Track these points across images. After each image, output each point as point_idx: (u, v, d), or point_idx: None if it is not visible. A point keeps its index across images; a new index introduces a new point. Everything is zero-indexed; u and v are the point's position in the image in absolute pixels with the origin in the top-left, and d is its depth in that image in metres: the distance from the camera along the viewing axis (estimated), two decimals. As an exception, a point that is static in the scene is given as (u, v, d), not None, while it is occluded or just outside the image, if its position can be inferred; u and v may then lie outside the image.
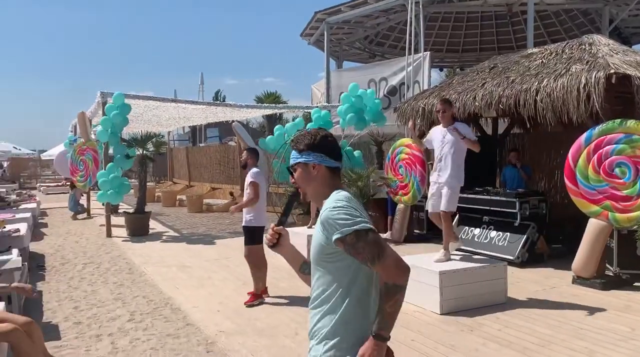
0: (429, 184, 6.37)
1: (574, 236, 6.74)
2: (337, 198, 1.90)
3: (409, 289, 5.59)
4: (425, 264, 5.55)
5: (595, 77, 6.11)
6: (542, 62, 7.48)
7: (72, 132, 19.25)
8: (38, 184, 27.32)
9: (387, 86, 15.94)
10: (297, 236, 7.97)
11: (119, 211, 14.19)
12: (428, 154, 7.74)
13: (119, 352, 4.45)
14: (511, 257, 7.04)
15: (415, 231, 9.32)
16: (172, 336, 4.81)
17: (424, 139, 6.31)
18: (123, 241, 10.28)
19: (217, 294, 6.17)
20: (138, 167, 12.74)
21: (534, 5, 14.82)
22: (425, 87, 12.92)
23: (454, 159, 5.75)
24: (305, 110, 16.11)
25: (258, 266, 5.94)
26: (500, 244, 7.48)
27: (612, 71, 6.06)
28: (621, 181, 5.66)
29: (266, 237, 2.14)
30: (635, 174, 5.58)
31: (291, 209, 2.21)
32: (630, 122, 5.67)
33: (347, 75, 17.34)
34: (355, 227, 1.80)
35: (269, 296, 6.00)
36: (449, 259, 5.68)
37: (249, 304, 5.73)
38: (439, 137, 5.88)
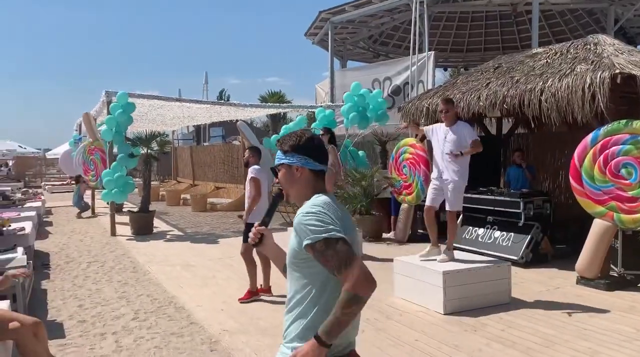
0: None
1: (579, 236, 6.72)
2: (314, 203, 1.88)
3: (413, 289, 5.56)
4: (428, 264, 5.55)
5: (600, 77, 6.09)
6: (547, 62, 7.46)
7: (76, 131, 19.33)
8: (43, 183, 27.42)
9: (391, 86, 15.93)
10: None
11: (124, 209, 14.23)
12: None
13: (123, 351, 4.47)
14: (515, 258, 7.03)
15: (419, 230, 9.30)
16: (176, 335, 4.82)
17: (425, 129, 6.26)
18: (127, 239, 10.32)
19: (220, 293, 6.18)
20: (142, 166, 12.77)
21: (539, 5, 14.79)
22: (430, 87, 12.91)
23: (457, 159, 5.74)
24: (310, 110, 16.11)
25: (254, 264, 5.96)
26: (504, 244, 7.47)
27: (617, 71, 6.03)
28: (627, 181, 5.64)
29: (250, 236, 2.13)
30: (641, 175, 5.56)
31: (274, 209, 2.20)
32: (636, 123, 5.64)
33: (351, 74, 17.35)
34: (325, 234, 1.77)
35: (272, 295, 6.01)
36: (453, 259, 5.68)
37: (243, 301, 5.76)
38: (441, 136, 5.85)
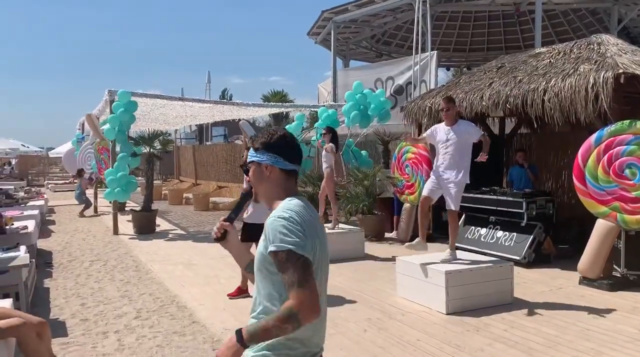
0: None
1: (581, 236, 6.71)
2: (287, 207, 1.82)
3: (415, 288, 5.55)
4: (431, 264, 5.54)
5: (603, 77, 6.07)
6: (550, 61, 7.44)
7: (79, 130, 19.37)
8: (46, 182, 27.48)
9: (393, 85, 15.90)
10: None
11: (126, 208, 14.26)
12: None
13: (125, 349, 4.48)
14: (517, 258, 7.02)
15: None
16: (178, 334, 4.83)
17: (424, 134, 6.26)
18: (130, 238, 10.33)
19: (223, 292, 6.18)
20: (145, 166, 12.79)
21: (542, 4, 14.75)
22: (432, 87, 12.88)
23: (460, 158, 5.73)
24: (312, 109, 16.10)
25: None
26: (506, 244, 7.46)
27: (620, 71, 6.02)
28: (631, 182, 5.62)
29: (213, 230, 2.10)
30: (644, 175, 5.55)
31: (242, 207, 2.16)
32: (640, 123, 5.63)
33: (354, 74, 17.33)
34: (290, 246, 1.71)
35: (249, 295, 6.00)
36: (455, 258, 5.67)
37: (232, 297, 5.79)
38: (443, 136, 5.83)
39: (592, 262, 5.97)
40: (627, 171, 5.66)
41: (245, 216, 5.92)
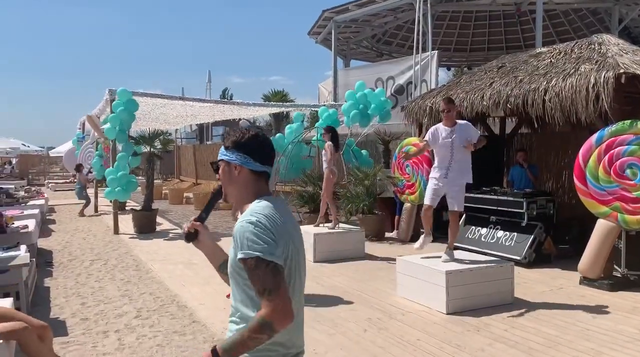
0: None
1: (582, 236, 6.70)
2: (255, 210, 1.77)
3: (415, 288, 5.53)
4: (432, 263, 5.54)
5: (604, 77, 6.07)
6: (551, 61, 7.44)
7: (79, 129, 19.38)
8: (46, 181, 27.49)
9: (394, 85, 15.90)
10: (305, 234, 7.95)
11: (126, 208, 14.26)
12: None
13: (126, 349, 4.48)
14: (518, 258, 7.01)
15: (421, 230, 9.28)
16: (178, 333, 4.83)
17: (425, 138, 6.22)
18: (130, 238, 10.33)
19: (223, 292, 6.17)
20: (145, 165, 12.78)
21: (543, 4, 14.74)
22: (433, 86, 12.89)
23: (462, 158, 5.73)
24: (313, 109, 16.10)
25: None
26: (507, 244, 7.45)
27: (621, 71, 6.01)
28: (632, 182, 5.62)
29: (183, 229, 2.07)
30: (645, 175, 5.54)
31: (213, 206, 2.11)
32: (641, 123, 5.63)
33: (355, 73, 17.33)
34: (258, 253, 1.67)
35: None
36: (453, 258, 5.67)
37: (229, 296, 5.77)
38: (445, 137, 5.80)
39: (592, 262, 5.96)
40: (628, 171, 5.66)
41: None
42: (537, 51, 8.38)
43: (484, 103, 7.56)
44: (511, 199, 7.52)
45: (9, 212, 8.87)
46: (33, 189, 16.52)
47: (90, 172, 15.97)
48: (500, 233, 7.66)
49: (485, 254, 6.55)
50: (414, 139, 9.26)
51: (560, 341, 4.38)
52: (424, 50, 13.97)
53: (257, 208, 1.78)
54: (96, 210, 14.80)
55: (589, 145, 5.97)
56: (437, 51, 15.12)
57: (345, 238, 8.05)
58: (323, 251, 7.72)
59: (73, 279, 7.03)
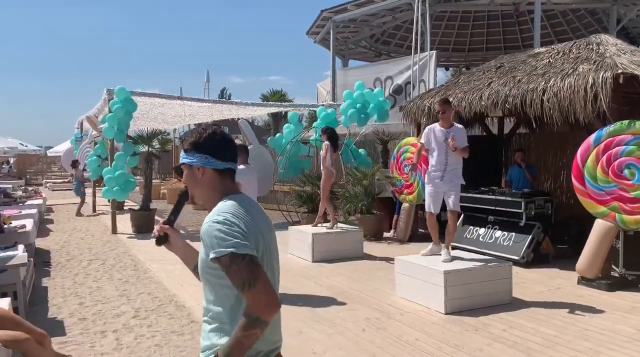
0: None
1: (580, 236, 6.71)
2: (221, 210, 1.76)
3: (414, 288, 5.52)
4: (430, 263, 5.54)
5: (602, 77, 6.07)
6: (549, 61, 7.45)
7: (78, 129, 19.34)
8: (44, 181, 27.45)
9: (392, 85, 15.92)
10: (303, 234, 7.99)
11: (125, 207, 14.24)
12: None
13: (124, 349, 4.47)
14: (516, 258, 7.02)
15: (420, 230, 9.31)
16: (176, 333, 4.82)
17: (421, 140, 6.22)
18: (128, 237, 10.32)
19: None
20: (144, 165, 12.76)
21: (541, 4, 14.76)
22: (431, 86, 12.90)
23: (457, 160, 5.76)
24: (311, 109, 16.10)
25: None
26: (505, 244, 7.46)
27: (619, 71, 6.02)
28: (630, 182, 5.63)
29: (153, 232, 2.05)
30: (643, 176, 5.55)
31: (180, 209, 2.09)
32: (639, 124, 5.64)
33: (353, 73, 17.34)
34: (230, 249, 1.66)
35: None
36: (449, 257, 5.67)
37: None
38: (440, 138, 5.81)
39: (590, 262, 5.97)
40: (626, 171, 5.67)
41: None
42: (536, 51, 8.39)
43: (482, 103, 7.56)
44: (509, 199, 7.52)
45: (7, 212, 8.85)
46: (31, 188, 16.51)
47: (85, 170, 15.93)
48: (498, 233, 7.66)
49: (484, 254, 6.55)
50: (412, 139, 9.26)
51: (558, 341, 4.38)
52: (423, 50, 13.99)
53: (224, 207, 1.78)
54: (94, 210, 14.77)
55: (587, 146, 5.98)
56: (435, 51, 15.14)
57: (343, 238, 8.05)
58: (321, 251, 7.71)
59: (71, 278, 7.02)
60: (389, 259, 7.47)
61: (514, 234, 7.42)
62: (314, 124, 12.39)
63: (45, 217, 13.40)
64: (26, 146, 34.94)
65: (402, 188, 9.27)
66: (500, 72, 8.03)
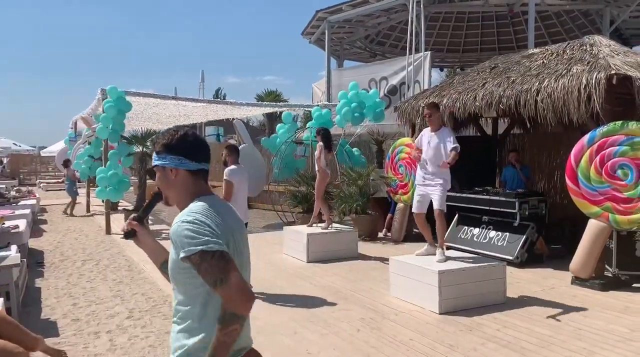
0: None
1: (573, 236, 6.74)
2: (191, 210, 1.77)
3: (408, 288, 5.53)
4: (424, 263, 5.55)
5: (596, 78, 6.10)
6: (543, 62, 7.47)
7: (71, 129, 19.26)
8: (38, 181, 27.30)
9: (387, 85, 15.94)
10: (298, 234, 7.98)
11: (119, 208, 14.19)
12: None
13: (117, 350, 4.45)
14: (510, 258, 7.04)
15: (414, 230, 9.31)
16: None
17: (415, 141, 6.38)
18: (122, 238, 10.27)
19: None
20: (138, 165, 12.72)
21: (535, 5, 14.83)
22: (426, 87, 12.93)
23: (439, 161, 5.79)
24: (306, 109, 16.10)
25: None
26: (499, 244, 7.48)
27: (613, 72, 6.05)
28: (623, 182, 5.66)
29: (122, 227, 2.07)
30: (637, 176, 5.59)
31: (152, 207, 2.11)
32: (632, 124, 5.67)
33: (348, 74, 17.36)
34: (200, 247, 1.66)
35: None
36: (444, 257, 5.69)
37: None
38: (426, 141, 5.99)
39: (584, 262, 6.00)
40: (619, 172, 5.70)
41: None
42: (530, 52, 8.42)
43: (477, 104, 7.58)
44: (503, 199, 7.54)
45: (0, 212, 8.80)
46: (24, 189, 16.41)
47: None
48: (492, 233, 7.68)
49: (478, 254, 6.56)
50: (407, 139, 9.27)
51: (552, 341, 4.40)
52: (417, 51, 14.01)
53: (194, 208, 1.79)
54: (88, 210, 14.72)
55: (581, 146, 6.01)
56: (430, 52, 15.17)
57: (338, 238, 8.05)
58: (316, 251, 7.71)
59: (64, 279, 6.99)
60: (383, 259, 7.47)
61: (508, 234, 7.44)
62: (308, 124, 12.39)
63: (38, 217, 13.33)
64: (20, 146, 34.78)
65: (396, 188, 9.28)
66: (495, 72, 8.05)
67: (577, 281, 6.14)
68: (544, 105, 6.64)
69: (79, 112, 14.94)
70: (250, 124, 33.36)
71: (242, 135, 12.85)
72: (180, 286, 1.81)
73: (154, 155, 1.90)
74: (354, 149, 12.19)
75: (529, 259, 7.20)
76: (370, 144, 13.05)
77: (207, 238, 1.68)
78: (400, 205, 9.32)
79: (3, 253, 5.41)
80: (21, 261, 5.72)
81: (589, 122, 6.43)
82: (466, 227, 8.13)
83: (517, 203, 7.32)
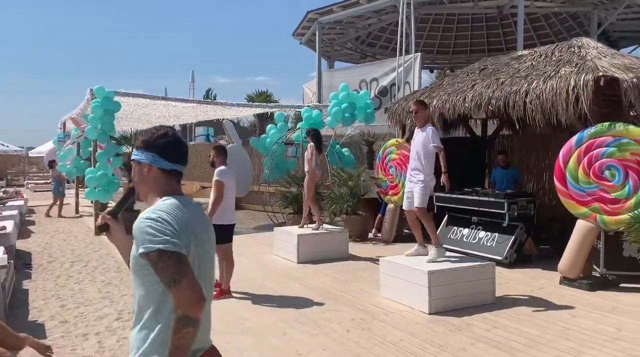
0: None
1: (562, 237, 6.79)
2: (157, 208, 1.79)
3: (398, 288, 5.54)
4: (414, 264, 5.56)
5: (584, 79, 6.16)
6: (532, 64, 7.53)
7: (60, 129, 19.09)
8: (26, 181, 27.07)
9: (378, 87, 15.98)
10: (288, 235, 7.97)
11: (108, 209, 14.08)
12: None
13: (106, 352, 4.42)
14: (499, 258, 7.08)
15: (405, 230, 9.35)
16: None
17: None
18: (96, 233, 10.19)
19: (205, 293, 6.14)
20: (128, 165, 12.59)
21: (524, 8, 14.94)
22: (416, 88, 12.97)
23: (425, 160, 5.85)
24: (297, 110, 16.10)
25: (230, 263, 5.95)
26: (488, 244, 7.52)
27: (600, 74, 6.11)
28: (610, 183, 5.72)
29: (98, 220, 2.10)
30: (624, 177, 5.65)
31: (125, 203, 2.15)
32: (619, 126, 5.73)
33: (339, 75, 17.38)
34: (159, 245, 1.69)
35: (231, 296, 5.95)
36: (444, 254, 5.72)
37: (214, 298, 5.75)
38: (413, 138, 6.07)
39: (572, 263, 6.05)
40: (606, 173, 5.75)
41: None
42: (519, 54, 8.48)
43: (466, 105, 7.62)
44: (493, 199, 7.58)
45: (-13, 213, 8.71)
46: (12, 189, 16.27)
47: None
48: (482, 233, 7.72)
49: (467, 255, 6.60)
50: (398, 140, 9.30)
51: (541, 341, 4.43)
52: (407, 52, 14.06)
53: (161, 205, 1.81)
54: (77, 211, 14.60)
55: (569, 147, 6.06)
56: (420, 53, 15.23)
57: (328, 239, 8.05)
58: (307, 252, 7.71)
59: (52, 281, 6.92)
60: (374, 260, 7.49)
61: (497, 234, 7.48)
62: (299, 125, 12.38)
63: (26, 218, 13.21)
64: (7, 146, 34.41)
65: (387, 189, 9.30)
66: (484, 74, 8.10)
67: (566, 281, 6.19)
68: (532, 106, 6.68)
69: (66, 113, 14.82)
70: (241, 124, 33.31)
71: (231, 135, 12.81)
72: (140, 282, 1.82)
73: (134, 149, 1.95)
74: (344, 150, 12.20)
75: (518, 259, 7.25)
76: (361, 144, 13.06)
77: (167, 237, 1.71)
78: (390, 206, 9.34)
79: (-10, 254, 5.35)
80: (8, 263, 5.67)
81: (577, 124, 6.48)
82: (456, 228, 8.16)
83: (506, 204, 7.36)
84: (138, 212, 10.23)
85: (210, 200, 5.97)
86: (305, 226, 8.26)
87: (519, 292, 5.96)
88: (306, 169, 8.21)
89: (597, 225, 5.88)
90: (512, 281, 6.45)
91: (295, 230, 8.07)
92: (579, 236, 6.03)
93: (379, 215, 9.75)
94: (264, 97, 33.94)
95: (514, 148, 9.57)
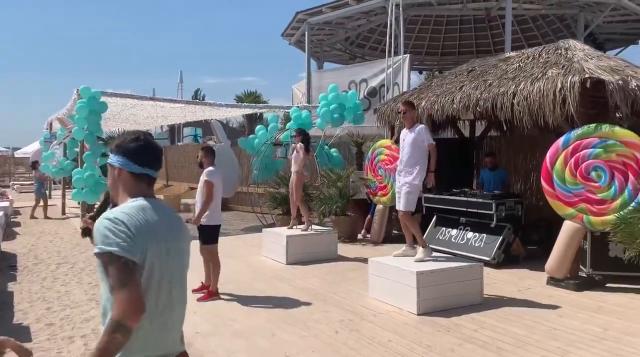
0: None
1: (549, 237, 6.84)
2: (120, 209, 1.81)
3: (387, 289, 5.54)
4: (403, 264, 5.57)
5: (570, 81, 6.21)
6: (519, 65, 7.57)
7: (47, 129, 18.91)
8: (11, 182, 26.74)
9: (367, 87, 16.02)
10: (277, 236, 7.96)
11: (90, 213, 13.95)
12: None
13: (92, 354, 4.36)
14: (487, 258, 7.11)
15: (394, 231, 9.36)
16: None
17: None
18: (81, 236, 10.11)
19: (193, 295, 6.09)
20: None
21: (512, 10, 15.05)
22: (405, 89, 13.01)
23: (414, 160, 5.85)
24: (286, 111, 16.08)
25: (216, 264, 5.92)
26: (476, 245, 7.55)
27: (587, 76, 6.16)
28: (597, 184, 5.77)
29: (81, 224, 2.18)
30: (610, 178, 5.70)
31: (105, 207, 2.21)
32: (605, 127, 5.78)
33: (328, 76, 17.39)
34: (109, 248, 1.70)
35: (219, 298, 5.93)
36: (431, 254, 5.74)
37: (201, 300, 5.76)
38: (402, 138, 6.08)
39: (559, 263, 6.09)
40: (592, 174, 5.80)
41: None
42: (506, 55, 8.53)
43: (454, 106, 7.65)
44: (481, 200, 7.62)
45: (-29, 215, 8.60)
46: (-3, 190, 16.06)
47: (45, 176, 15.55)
48: (470, 234, 7.75)
49: (456, 255, 6.62)
50: (387, 141, 9.33)
51: (528, 341, 4.45)
52: (396, 53, 14.11)
53: (124, 207, 1.82)
54: (63, 212, 14.45)
55: (556, 148, 6.11)
56: (409, 55, 15.29)
57: (317, 240, 8.04)
58: (295, 253, 7.69)
59: (38, 283, 6.84)
60: (363, 261, 7.49)
61: (485, 235, 7.51)
62: (288, 126, 12.37)
63: (12, 219, 13.05)
64: (-8, 147, 34.01)
65: (376, 190, 9.32)
66: (472, 75, 8.14)
67: (553, 281, 6.23)
68: (520, 108, 6.72)
69: (54, 113, 14.68)
70: (230, 125, 33.20)
71: (219, 135, 12.77)
72: (103, 283, 1.82)
73: (110, 153, 1.97)
74: (333, 151, 12.20)
75: (506, 260, 7.29)
76: (350, 145, 13.06)
77: (118, 240, 1.71)
78: (379, 206, 9.35)
79: (-26, 256, 5.28)
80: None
81: (564, 125, 6.53)
82: (444, 228, 8.19)
83: (494, 205, 7.40)
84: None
85: (198, 200, 5.94)
86: (294, 227, 8.25)
87: (506, 292, 5.99)
88: (293, 169, 8.19)
89: (583, 226, 5.93)
90: (499, 282, 6.49)
91: (284, 231, 8.05)
92: (566, 237, 6.07)
93: (368, 216, 9.76)
94: (253, 97, 33.89)
95: (502, 149, 9.63)
